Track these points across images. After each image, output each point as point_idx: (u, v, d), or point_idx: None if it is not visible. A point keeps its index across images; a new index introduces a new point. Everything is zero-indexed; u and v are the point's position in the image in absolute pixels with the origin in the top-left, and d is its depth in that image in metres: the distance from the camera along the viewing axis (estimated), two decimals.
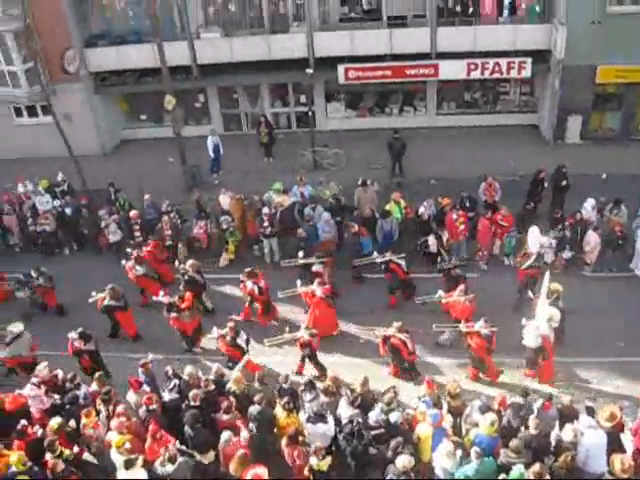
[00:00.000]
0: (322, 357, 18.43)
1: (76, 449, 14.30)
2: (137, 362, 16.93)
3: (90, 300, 19.40)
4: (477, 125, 30.41)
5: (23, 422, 14.77)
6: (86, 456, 14.71)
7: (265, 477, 12.93)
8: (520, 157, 27.04)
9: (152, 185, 26.28)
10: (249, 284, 19.68)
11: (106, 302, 19.31)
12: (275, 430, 14.91)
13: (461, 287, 18.23)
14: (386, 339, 17.34)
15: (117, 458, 13.89)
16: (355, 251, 21.39)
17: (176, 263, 21.30)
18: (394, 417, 14.20)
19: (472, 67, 27.99)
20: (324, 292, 18.88)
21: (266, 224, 22.46)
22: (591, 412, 14.01)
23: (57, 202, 25.05)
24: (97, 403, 15.58)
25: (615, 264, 21.37)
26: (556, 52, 26.65)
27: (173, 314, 18.88)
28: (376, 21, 29.02)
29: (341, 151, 29.05)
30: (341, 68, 28.70)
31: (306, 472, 13.46)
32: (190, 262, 20.53)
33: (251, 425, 14.78)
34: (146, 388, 16.03)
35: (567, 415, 14.35)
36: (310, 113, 28.38)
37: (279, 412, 14.80)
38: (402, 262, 20.18)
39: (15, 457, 13.58)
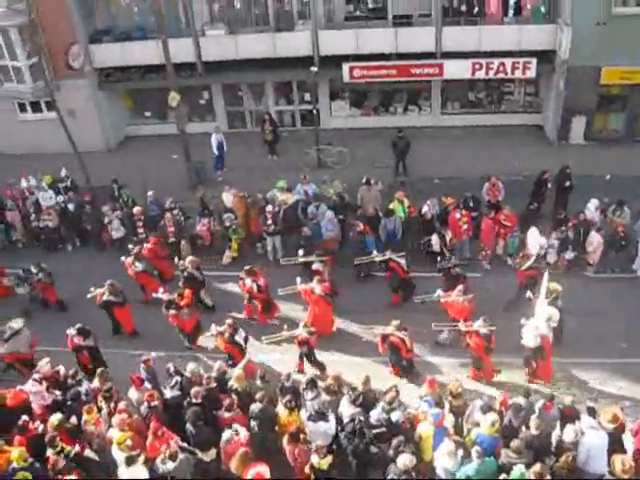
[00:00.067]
0: (323, 356, 18.49)
1: (77, 448, 14.29)
2: (138, 359, 16.97)
3: (89, 296, 19.45)
4: (481, 125, 30.37)
5: (24, 418, 14.80)
6: (87, 453, 14.69)
7: (267, 475, 12.94)
8: (524, 157, 27.01)
9: (156, 182, 26.27)
10: (248, 282, 19.71)
11: (105, 297, 19.36)
12: (276, 428, 14.92)
13: (460, 287, 18.19)
14: (385, 337, 17.36)
15: (118, 455, 13.92)
16: (359, 249, 21.35)
17: (175, 260, 21.29)
18: (395, 416, 14.20)
19: (477, 67, 27.93)
20: (323, 290, 18.88)
21: (269, 222, 22.48)
22: (592, 413, 13.99)
23: (60, 198, 25.08)
24: (98, 400, 15.59)
25: (618, 265, 21.35)
26: (561, 53, 26.60)
27: (172, 311, 18.92)
28: (381, 20, 28.98)
29: (345, 150, 29.05)
30: (346, 67, 28.66)
31: (307, 470, 13.47)
32: (190, 259, 20.58)
33: (252, 423, 14.79)
34: (147, 385, 16.05)
35: (568, 415, 14.34)
36: (314, 111, 28.36)
37: (281, 410, 14.82)
38: (402, 261, 20.18)
39: (16, 453, 13.61)
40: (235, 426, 14.32)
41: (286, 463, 14.25)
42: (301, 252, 20.81)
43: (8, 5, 28.12)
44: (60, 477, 13.33)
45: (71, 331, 17.78)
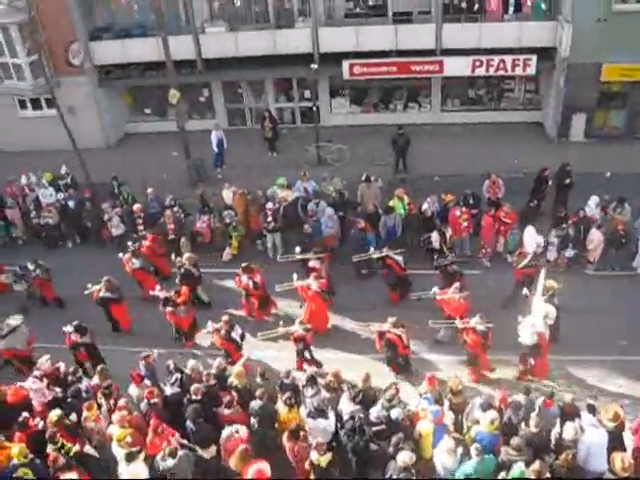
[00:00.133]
0: (320, 353, 18.53)
1: (77, 447, 14.27)
2: (138, 355, 16.98)
3: (86, 292, 19.50)
4: (481, 122, 30.34)
5: (25, 414, 14.81)
6: (87, 449, 14.71)
7: (267, 472, 12.95)
8: (524, 154, 27.01)
9: (156, 179, 26.30)
10: (244, 278, 19.76)
11: (101, 294, 19.42)
12: (276, 425, 14.93)
13: (456, 284, 18.18)
14: (382, 334, 17.37)
15: (118, 451, 13.93)
16: (360, 247, 21.31)
17: (172, 257, 21.29)
18: (395, 413, 14.20)
19: (477, 64, 27.90)
20: (319, 286, 18.90)
21: (269, 219, 22.49)
22: (592, 410, 13.98)
23: (60, 195, 25.08)
24: (98, 397, 15.60)
25: (618, 263, 21.35)
26: (561, 50, 26.58)
27: (169, 308, 18.96)
28: (381, 17, 28.97)
29: (345, 147, 29.07)
30: (346, 64, 28.64)
31: (307, 466, 13.48)
32: (187, 255, 20.62)
33: (252, 420, 14.80)
34: (147, 382, 16.06)
35: (568, 413, 14.33)
36: (314, 108, 28.34)
37: (280, 407, 14.82)
38: (399, 258, 20.20)
39: (16, 449, 13.62)
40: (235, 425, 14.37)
41: (286, 460, 14.25)
42: (298, 249, 20.83)
43: (8, 2, 28.10)
44: (60, 474, 13.34)
45: (68, 328, 17.80)
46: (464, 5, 28.17)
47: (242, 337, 17.83)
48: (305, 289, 19.05)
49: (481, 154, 27.05)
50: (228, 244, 23.26)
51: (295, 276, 19.33)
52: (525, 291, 18.75)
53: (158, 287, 19.46)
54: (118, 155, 30.85)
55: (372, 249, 20.57)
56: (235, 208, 23.61)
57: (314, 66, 27.05)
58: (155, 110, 33.03)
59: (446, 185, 24.65)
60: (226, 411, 14.81)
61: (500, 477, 12.72)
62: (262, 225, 23.00)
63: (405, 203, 22.52)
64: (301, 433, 13.90)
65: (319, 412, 14.35)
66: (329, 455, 13.27)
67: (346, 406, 14.61)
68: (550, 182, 23.35)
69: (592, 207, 21.72)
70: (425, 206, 22.10)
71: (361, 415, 14.20)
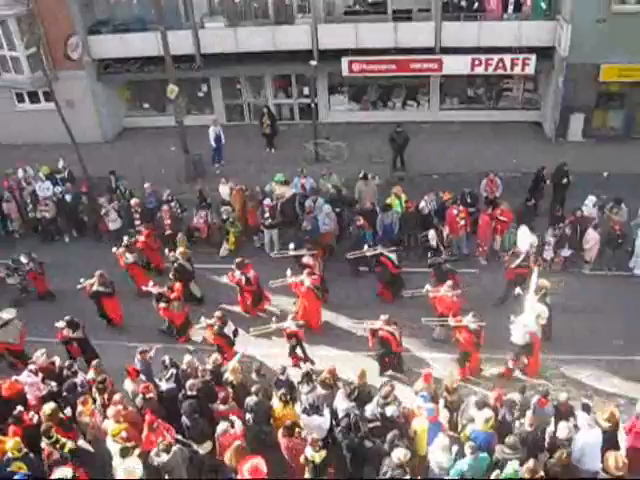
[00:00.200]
0: (315, 351, 18.55)
1: (71, 444, 14.24)
2: (132, 350, 17.01)
3: (79, 286, 19.52)
4: (480, 121, 30.31)
5: (19, 408, 14.80)
6: (81, 444, 14.73)
7: (263, 468, 12.95)
8: (522, 154, 27.07)
9: (153, 174, 26.28)
10: (237, 274, 19.78)
11: (94, 288, 19.43)
12: (271, 421, 14.93)
13: (449, 282, 18.20)
14: (374, 332, 17.38)
15: (113, 446, 13.93)
16: (359, 244, 21.26)
17: (166, 251, 21.28)
18: (390, 411, 14.20)
19: (476, 63, 27.88)
20: (312, 282, 18.92)
21: (267, 215, 22.47)
22: (587, 409, 14.02)
23: (58, 189, 25.01)
24: (93, 391, 15.60)
25: (614, 263, 21.35)
26: (560, 49, 26.59)
27: (162, 304, 18.96)
28: (381, 14, 28.94)
29: (343, 144, 29.06)
30: (345, 61, 28.62)
31: (302, 460, 13.48)
32: (180, 250, 20.60)
33: (248, 416, 14.81)
34: (142, 377, 16.06)
35: (563, 412, 14.37)
36: (313, 105, 28.31)
37: (276, 403, 14.83)
38: (393, 256, 20.20)
39: (11, 443, 13.61)
40: (232, 417, 14.36)
41: (281, 456, 14.26)
42: (292, 245, 20.86)
43: None
44: (55, 468, 13.32)
45: (60, 323, 17.81)
46: (464, 4, 28.14)
47: (235, 333, 17.83)
48: (298, 285, 19.06)
49: (479, 153, 27.11)
50: (225, 240, 23.26)
51: (289, 272, 19.34)
52: (518, 290, 18.77)
53: (151, 283, 19.47)
54: (116, 149, 30.83)
55: (366, 247, 20.58)
56: (232, 204, 23.60)
57: (313, 63, 27.03)
58: (153, 105, 33.00)
59: (444, 183, 24.71)
60: (221, 407, 14.81)
61: (494, 475, 12.73)
62: (259, 221, 22.98)
63: (402, 201, 22.51)
64: (296, 429, 13.93)
65: (314, 409, 14.36)
66: (323, 453, 13.28)
67: (341, 403, 14.61)
68: (548, 181, 23.36)
69: (589, 207, 21.74)
70: (422, 204, 22.10)
71: (356, 412, 14.22)
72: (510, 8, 27.85)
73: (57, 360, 16.83)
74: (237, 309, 20.59)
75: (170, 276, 20.14)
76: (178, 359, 16.40)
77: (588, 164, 25.23)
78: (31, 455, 13.77)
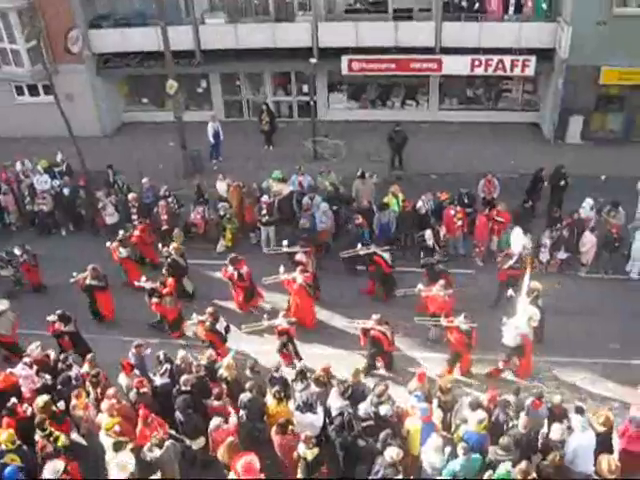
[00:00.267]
0: (308, 349, 18.51)
1: (64, 439, 14.23)
2: (125, 344, 17.07)
3: (71, 280, 19.50)
4: (479, 121, 30.31)
5: (13, 400, 14.80)
6: (75, 437, 14.73)
7: (256, 465, 12.94)
8: (520, 155, 27.07)
9: (151, 169, 26.27)
10: (230, 269, 19.80)
11: (87, 281, 19.46)
12: (265, 418, 14.94)
13: (441, 282, 18.20)
14: (366, 331, 17.38)
15: (106, 440, 13.93)
16: (357, 242, 21.19)
17: (159, 246, 21.28)
18: (384, 410, 14.19)
19: (476, 63, 27.89)
20: (305, 280, 18.92)
21: (264, 212, 22.46)
22: (581, 412, 14.02)
23: (56, 182, 24.98)
24: (87, 385, 15.60)
25: (611, 266, 21.33)
26: (560, 51, 26.59)
27: (155, 299, 18.96)
28: (382, 13, 28.94)
29: (342, 142, 29.07)
30: (345, 59, 28.62)
31: (295, 455, 13.49)
32: (174, 245, 20.62)
33: (241, 412, 14.82)
34: (137, 371, 16.05)
35: (557, 414, 14.39)
36: (312, 103, 28.30)
37: (270, 400, 14.83)
38: (386, 255, 20.19)
39: (5, 435, 13.61)
40: (230, 411, 14.38)
41: (274, 453, 14.29)
42: (285, 242, 20.90)
43: None
44: (48, 461, 13.31)
45: (52, 317, 17.81)
46: (464, 4, 28.14)
47: (227, 329, 17.82)
48: (290, 283, 19.08)
49: (478, 153, 27.10)
50: (222, 236, 23.25)
51: (282, 269, 19.34)
52: (510, 292, 18.79)
53: (144, 278, 19.48)
54: (114, 144, 30.81)
55: (359, 245, 20.56)
56: (230, 200, 23.59)
57: (313, 60, 27.06)
58: (152, 100, 32.95)
59: (442, 183, 24.72)
60: (215, 403, 14.81)
61: (486, 476, 12.74)
62: (256, 218, 22.98)
63: (400, 200, 22.50)
64: (289, 427, 13.93)
65: (308, 406, 14.38)
66: (315, 450, 13.28)
67: (335, 401, 14.61)
68: (546, 183, 23.36)
69: (587, 210, 21.74)
70: (419, 204, 22.09)
71: (350, 410, 14.23)
72: (511, 9, 27.84)
73: (52, 353, 16.82)
74: (229, 305, 20.59)
75: (163, 271, 20.15)
76: (172, 354, 16.39)
77: (586, 166, 25.23)
78: (24, 447, 13.78)
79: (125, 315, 20.36)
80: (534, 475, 12.51)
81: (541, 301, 17.52)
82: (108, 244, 20.97)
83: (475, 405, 14.06)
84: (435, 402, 14.95)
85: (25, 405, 14.94)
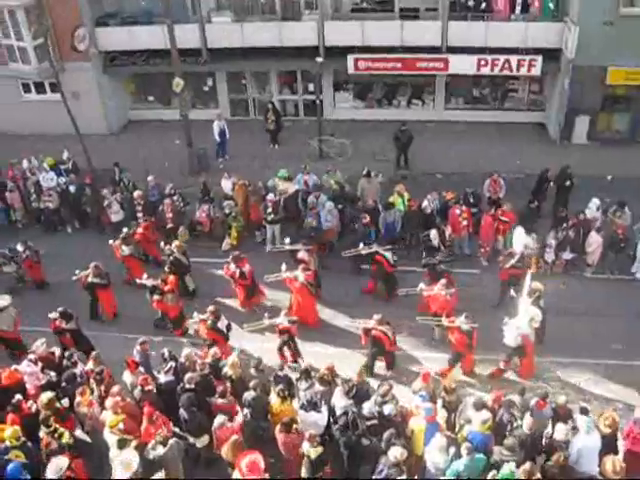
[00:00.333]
0: (311, 348, 18.50)
1: (68, 437, 14.25)
2: (128, 341, 17.09)
3: (74, 278, 19.55)
4: (485, 121, 30.26)
5: (18, 396, 14.84)
6: (79, 434, 14.75)
7: (261, 464, 12.95)
8: (526, 155, 27.02)
9: (157, 167, 26.30)
10: (232, 267, 19.81)
11: (89, 279, 19.49)
12: (269, 417, 14.95)
13: (443, 281, 18.18)
14: (367, 331, 17.37)
15: (110, 438, 13.95)
16: (364, 241, 21.11)
17: (162, 244, 21.29)
18: (388, 409, 14.20)
19: (482, 63, 27.85)
20: (306, 278, 18.93)
21: (270, 210, 22.47)
22: (585, 413, 14.02)
23: (62, 179, 25.02)
24: (91, 382, 15.63)
25: (617, 267, 21.29)
26: (567, 51, 26.53)
27: (156, 297, 18.98)
28: (388, 12, 28.91)
29: (347, 141, 29.08)
30: (351, 58, 28.61)
31: (300, 451, 13.51)
32: (176, 243, 20.66)
33: (245, 411, 14.83)
34: (141, 369, 16.08)
35: (561, 415, 14.37)
36: (318, 102, 28.30)
37: (274, 399, 14.84)
38: (388, 254, 20.18)
39: (9, 432, 13.64)
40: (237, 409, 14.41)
41: (279, 452, 14.29)
42: (287, 240, 20.93)
43: None
44: (52, 457, 13.34)
45: (53, 314, 17.84)
46: (471, 3, 28.06)
47: (228, 328, 17.81)
48: (292, 281, 19.09)
49: (484, 153, 27.06)
50: (227, 234, 23.26)
51: (284, 267, 19.34)
52: (512, 292, 18.74)
53: (145, 275, 19.50)
54: (120, 142, 30.85)
55: (361, 245, 20.55)
56: (235, 199, 23.61)
57: (319, 59, 27.06)
58: (159, 98, 32.96)
59: (447, 183, 24.69)
60: (219, 401, 14.82)
61: (490, 476, 12.73)
62: (262, 216, 22.98)
63: (405, 199, 22.49)
64: (293, 426, 13.94)
65: (312, 405, 14.38)
66: (319, 449, 13.28)
67: (339, 400, 14.62)
68: (552, 183, 23.31)
69: (592, 210, 21.70)
70: (425, 203, 22.09)
71: (354, 410, 14.23)
72: (517, 9, 27.78)
73: (57, 350, 16.86)
74: (231, 303, 20.62)
75: (165, 269, 20.17)
76: (177, 352, 16.40)
77: (592, 167, 25.18)
78: (29, 444, 13.82)
79: (126, 312, 20.39)
80: (538, 475, 12.51)
81: (542, 302, 17.49)
82: (111, 242, 21.00)
83: (479, 405, 14.05)
84: (439, 402, 14.95)
85: (30, 402, 14.98)
